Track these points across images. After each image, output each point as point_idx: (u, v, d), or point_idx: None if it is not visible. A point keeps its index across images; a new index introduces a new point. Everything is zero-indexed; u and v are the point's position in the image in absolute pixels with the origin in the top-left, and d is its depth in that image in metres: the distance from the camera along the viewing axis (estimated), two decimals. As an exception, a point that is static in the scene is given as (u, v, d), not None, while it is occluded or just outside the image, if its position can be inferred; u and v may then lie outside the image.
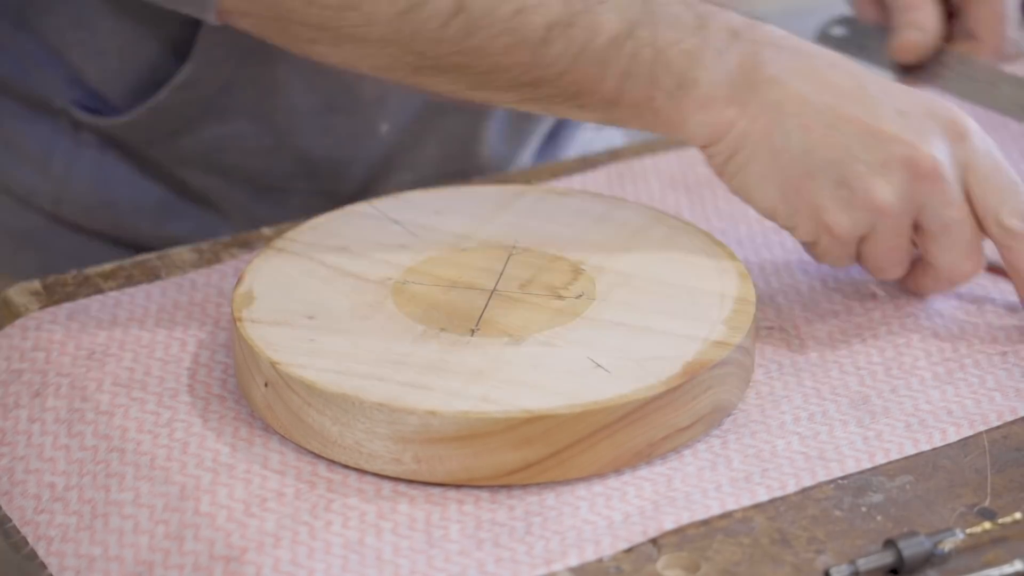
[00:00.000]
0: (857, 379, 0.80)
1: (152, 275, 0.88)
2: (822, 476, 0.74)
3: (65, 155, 1.01)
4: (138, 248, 1.01)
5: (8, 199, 1.03)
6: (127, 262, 0.89)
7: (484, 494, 0.73)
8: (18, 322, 0.84)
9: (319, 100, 0.98)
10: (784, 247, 0.90)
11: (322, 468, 0.75)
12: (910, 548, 0.69)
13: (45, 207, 1.02)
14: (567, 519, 0.72)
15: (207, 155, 1.00)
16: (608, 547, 0.70)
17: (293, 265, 0.82)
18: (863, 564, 0.69)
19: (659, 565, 0.70)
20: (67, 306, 0.85)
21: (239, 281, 0.81)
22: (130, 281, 0.87)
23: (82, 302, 0.85)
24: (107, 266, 0.89)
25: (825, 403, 0.79)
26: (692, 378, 0.74)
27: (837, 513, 0.72)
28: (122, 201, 1.01)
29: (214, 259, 0.89)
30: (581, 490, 0.73)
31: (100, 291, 0.86)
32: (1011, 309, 0.85)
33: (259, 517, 0.71)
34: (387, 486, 0.74)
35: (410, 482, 0.74)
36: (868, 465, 0.75)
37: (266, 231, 0.92)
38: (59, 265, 0.97)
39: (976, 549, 0.70)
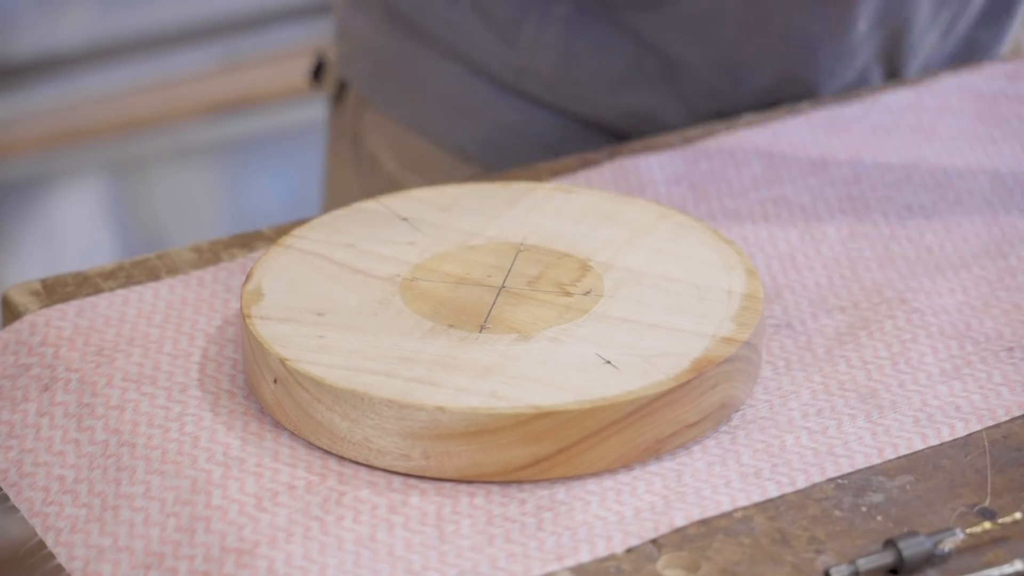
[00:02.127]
0: (864, 373, 0.81)
1: (152, 275, 0.88)
2: (831, 472, 0.75)
3: (534, 26, 1.03)
4: (588, 122, 1.04)
5: (460, 68, 1.05)
6: (127, 262, 0.89)
7: (495, 488, 0.73)
8: (27, 317, 0.84)
9: None
10: (790, 243, 0.91)
11: (332, 461, 0.75)
12: (910, 548, 0.69)
13: (506, 78, 1.04)
14: (578, 515, 0.72)
15: (695, 27, 1.01)
16: (619, 543, 0.71)
17: (302, 262, 0.83)
18: (863, 564, 0.69)
19: (659, 565, 0.70)
20: (75, 303, 0.85)
21: (248, 278, 0.81)
22: (130, 281, 0.87)
23: (90, 299, 0.85)
24: (107, 266, 0.89)
25: (833, 398, 0.79)
26: (700, 374, 0.75)
27: (837, 513, 0.73)
28: (585, 72, 1.03)
29: (213, 259, 0.89)
30: (591, 485, 0.74)
31: (100, 291, 0.86)
32: (1016, 305, 0.86)
33: (271, 512, 0.72)
34: (398, 480, 0.74)
35: (420, 477, 0.74)
36: (878, 460, 0.75)
37: (265, 231, 0.92)
38: (499, 139, 1.01)
39: (976, 549, 0.71)
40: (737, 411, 0.78)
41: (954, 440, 0.77)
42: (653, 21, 1.02)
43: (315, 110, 1.78)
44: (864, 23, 1.02)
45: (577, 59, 1.03)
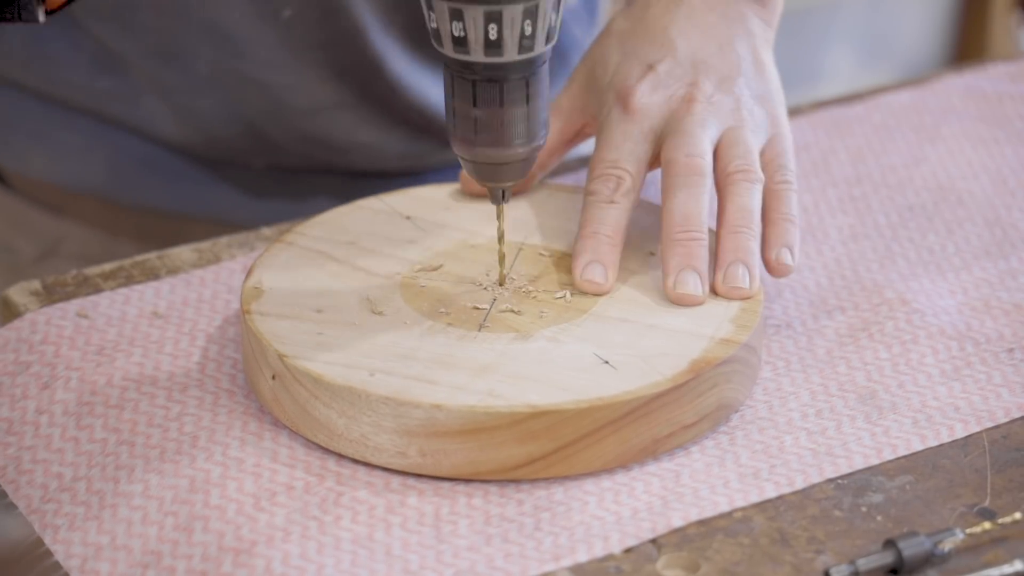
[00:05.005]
0: (864, 374, 0.81)
1: (152, 275, 0.88)
2: (830, 472, 0.75)
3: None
4: (70, 107, 1.03)
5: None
6: (127, 262, 0.89)
7: (492, 488, 0.74)
8: (27, 316, 0.84)
9: None
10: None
11: (331, 462, 0.75)
12: (910, 548, 0.69)
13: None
14: (575, 515, 0.72)
15: (118, 11, 0.99)
16: (617, 544, 0.71)
17: (302, 259, 0.83)
18: (863, 564, 0.69)
19: (659, 565, 0.70)
20: (76, 302, 0.85)
21: (248, 274, 0.81)
22: (130, 280, 0.88)
23: (91, 298, 0.86)
24: (107, 266, 0.89)
25: (833, 399, 0.79)
26: (698, 375, 0.75)
27: (837, 513, 0.73)
28: (55, 55, 1.02)
29: (214, 259, 0.90)
30: (589, 485, 0.74)
31: (100, 291, 0.87)
32: (1017, 306, 0.86)
33: (268, 511, 0.72)
34: (395, 480, 0.74)
35: (419, 475, 0.74)
36: (876, 461, 0.75)
37: (266, 231, 0.92)
38: None
39: (976, 549, 0.71)
40: (736, 412, 0.78)
41: (954, 440, 0.77)
42: (82, 8, 1.00)
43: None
44: (288, 9, 1.00)
45: (44, 42, 1.03)
